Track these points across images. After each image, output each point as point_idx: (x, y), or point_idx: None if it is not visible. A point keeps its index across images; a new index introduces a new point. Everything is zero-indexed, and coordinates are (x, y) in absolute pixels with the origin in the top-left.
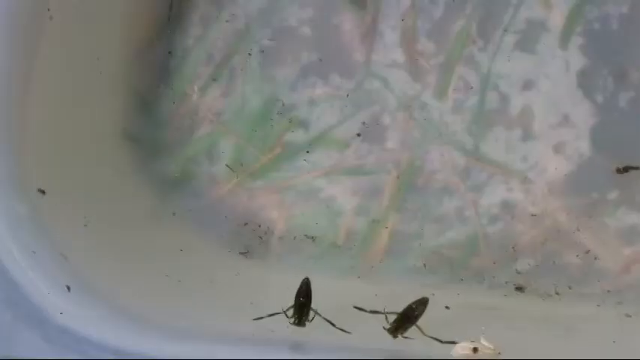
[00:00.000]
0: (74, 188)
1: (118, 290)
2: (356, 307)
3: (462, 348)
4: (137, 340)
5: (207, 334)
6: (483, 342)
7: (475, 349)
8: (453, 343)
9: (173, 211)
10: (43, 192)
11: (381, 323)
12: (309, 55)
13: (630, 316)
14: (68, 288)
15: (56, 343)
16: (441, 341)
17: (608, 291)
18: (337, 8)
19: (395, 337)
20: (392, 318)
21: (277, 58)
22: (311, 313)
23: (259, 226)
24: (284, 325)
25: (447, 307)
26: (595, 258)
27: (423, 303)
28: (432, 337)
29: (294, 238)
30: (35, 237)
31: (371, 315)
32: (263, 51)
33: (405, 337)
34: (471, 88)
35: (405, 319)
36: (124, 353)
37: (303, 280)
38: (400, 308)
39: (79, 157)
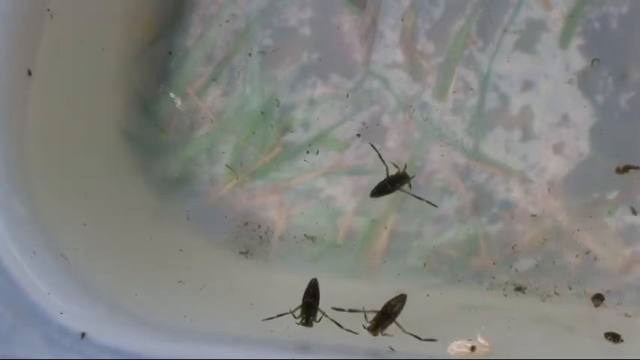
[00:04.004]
0: (74, 188)
1: (118, 290)
2: (334, 308)
3: (459, 346)
4: (137, 340)
5: (207, 335)
6: (480, 340)
7: (473, 348)
8: (433, 340)
9: (173, 211)
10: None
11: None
12: (309, 55)
13: (630, 316)
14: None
15: (56, 343)
16: (419, 338)
17: (608, 291)
18: (337, 8)
19: (375, 335)
20: (371, 316)
21: (277, 58)
22: (318, 314)
23: (259, 226)
24: (284, 326)
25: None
26: (595, 258)
27: (401, 300)
28: (411, 334)
29: (295, 238)
30: (35, 237)
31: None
32: (263, 51)
33: (385, 335)
34: (471, 89)
35: (385, 317)
36: (124, 353)
37: (311, 280)
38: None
39: (79, 157)
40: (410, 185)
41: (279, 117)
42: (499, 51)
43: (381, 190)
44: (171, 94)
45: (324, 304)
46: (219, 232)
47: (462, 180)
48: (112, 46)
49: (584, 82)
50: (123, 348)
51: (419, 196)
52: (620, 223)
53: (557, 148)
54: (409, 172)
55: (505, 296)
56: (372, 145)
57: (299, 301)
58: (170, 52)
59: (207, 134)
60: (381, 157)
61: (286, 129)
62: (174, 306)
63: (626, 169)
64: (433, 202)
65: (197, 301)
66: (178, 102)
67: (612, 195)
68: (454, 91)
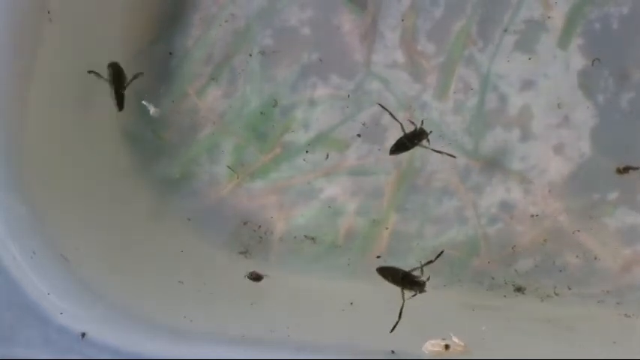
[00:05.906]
0: (74, 188)
1: (118, 290)
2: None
3: (433, 345)
4: (137, 340)
5: (207, 335)
6: (454, 339)
7: (447, 346)
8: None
9: (173, 211)
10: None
11: (381, 324)
12: (310, 56)
13: (629, 317)
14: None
15: (56, 343)
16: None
17: (608, 291)
18: (337, 9)
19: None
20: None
21: (277, 58)
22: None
23: (259, 226)
24: (284, 325)
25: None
26: (595, 258)
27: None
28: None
29: (295, 238)
30: (35, 237)
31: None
32: (263, 51)
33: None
34: (471, 89)
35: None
36: (124, 353)
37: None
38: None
39: (79, 157)
40: (428, 140)
41: (279, 117)
42: (499, 51)
43: (399, 146)
44: (144, 102)
45: (324, 304)
46: (219, 233)
47: (462, 180)
48: (112, 46)
49: (585, 83)
50: (123, 348)
51: (438, 150)
52: (620, 224)
53: (558, 149)
54: (426, 128)
55: (505, 297)
56: (380, 105)
57: (299, 301)
58: (170, 53)
59: (208, 135)
60: (392, 115)
61: (286, 129)
62: (175, 306)
63: (626, 169)
64: (451, 154)
65: (197, 301)
66: (152, 109)
67: (612, 195)
68: (454, 92)
